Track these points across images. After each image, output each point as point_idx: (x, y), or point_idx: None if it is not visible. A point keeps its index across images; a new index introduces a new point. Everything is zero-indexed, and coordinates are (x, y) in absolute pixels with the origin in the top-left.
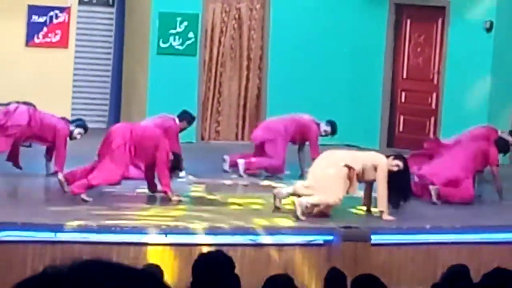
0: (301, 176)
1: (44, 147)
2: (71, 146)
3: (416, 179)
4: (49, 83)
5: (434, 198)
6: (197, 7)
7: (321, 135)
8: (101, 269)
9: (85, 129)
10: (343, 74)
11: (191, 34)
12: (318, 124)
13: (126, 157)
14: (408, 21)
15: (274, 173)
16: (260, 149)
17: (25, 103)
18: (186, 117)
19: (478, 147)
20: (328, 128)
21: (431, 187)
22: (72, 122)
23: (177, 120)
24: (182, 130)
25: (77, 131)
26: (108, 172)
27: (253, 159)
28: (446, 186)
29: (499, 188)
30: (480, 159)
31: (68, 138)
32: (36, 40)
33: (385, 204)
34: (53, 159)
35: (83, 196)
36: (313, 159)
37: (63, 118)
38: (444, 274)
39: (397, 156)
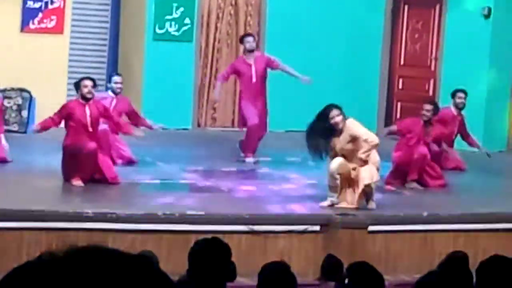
0: None
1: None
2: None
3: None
4: (45, 69)
5: (418, 187)
6: None
7: None
8: (96, 255)
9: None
10: (341, 60)
11: (187, 20)
12: None
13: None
14: (406, 7)
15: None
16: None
17: (20, 89)
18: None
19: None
20: None
21: (407, 185)
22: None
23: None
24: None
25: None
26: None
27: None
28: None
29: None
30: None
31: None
32: (31, 26)
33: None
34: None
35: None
36: None
37: None
38: (442, 261)
39: None
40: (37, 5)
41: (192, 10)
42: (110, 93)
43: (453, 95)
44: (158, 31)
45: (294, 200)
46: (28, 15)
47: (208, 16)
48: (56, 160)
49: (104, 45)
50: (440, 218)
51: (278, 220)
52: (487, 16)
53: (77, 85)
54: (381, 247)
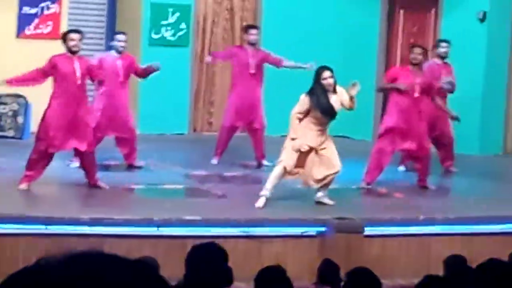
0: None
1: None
2: None
3: None
4: None
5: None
6: None
7: None
8: (94, 261)
9: None
10: (336, 65)
11: (183, 25)
12: None
13: None
14: (401, 12)
15: None
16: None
17: (15, 95)
18: None
19: None
20: None
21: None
22: None
23: None
24: None
25: None
26: None
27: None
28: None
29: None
30: None
31: None
32: (27, 32)
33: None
34: None
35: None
36: None
37: None
38: (444, 266)
39: None
40: (33, 10)
41: (187, 15)
42: (113, 52)
43: (437, 45)
44: (154, 36)
45: (290, 205)
46: (24, 20)
47: (204, 21)
48: (51, 166)
49: (100, 50)
50: (436, 222)
51: (274, 225)
52: (482, 20)
53: (64, 38)
54: (377, 251)
